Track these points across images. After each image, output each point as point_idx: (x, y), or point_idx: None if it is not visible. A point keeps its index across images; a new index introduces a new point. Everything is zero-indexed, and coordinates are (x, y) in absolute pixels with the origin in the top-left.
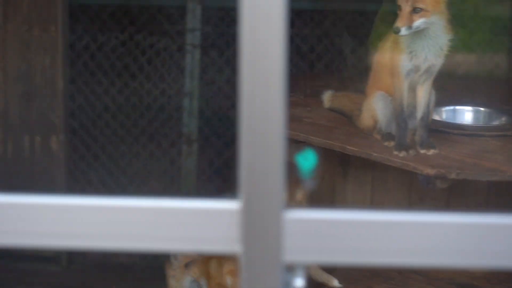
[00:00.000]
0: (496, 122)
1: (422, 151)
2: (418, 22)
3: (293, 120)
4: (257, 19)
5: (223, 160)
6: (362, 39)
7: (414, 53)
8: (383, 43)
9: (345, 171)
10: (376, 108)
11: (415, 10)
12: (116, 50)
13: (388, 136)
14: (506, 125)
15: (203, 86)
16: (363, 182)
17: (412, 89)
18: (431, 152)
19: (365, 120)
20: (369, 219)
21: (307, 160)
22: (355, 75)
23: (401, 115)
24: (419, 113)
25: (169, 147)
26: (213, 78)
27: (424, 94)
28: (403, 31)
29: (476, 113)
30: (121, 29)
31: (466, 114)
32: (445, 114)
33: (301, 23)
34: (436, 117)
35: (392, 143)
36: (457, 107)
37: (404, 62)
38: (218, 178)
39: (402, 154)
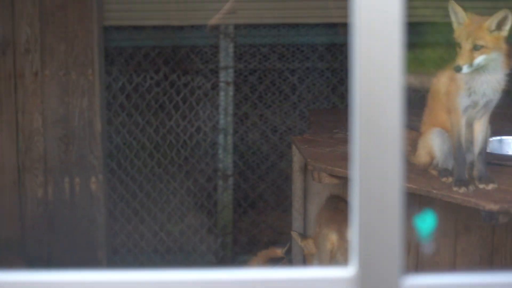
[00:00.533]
0: None
1: (481, 186)
2: (479, 59)
3: (345, 158)
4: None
5: (257, 194)
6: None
7: (472, 89)
8: (439, 79)
9: None
10: (433, 145)
11: (475, 48)
12: (151, 90)
13: (445, 172)
14: None
15: (237, 122)
16: (409, 212)
17: (469, 125)
18: (491, 186)
19: (421, 156)
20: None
21: (426, 222)
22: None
23: (459, 151)
24: (477, 148)
25: (205, 182)
26: (246, 114)
27: (481, 128)
28: (465, 69)
29: None
30: (155, 69)
31: None
32: (491, 145)
33: (331, 55)
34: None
35: (450, 179)
36: (504, 137)
37: (462, 98)
38: (253, 210)
39: (462, 190)
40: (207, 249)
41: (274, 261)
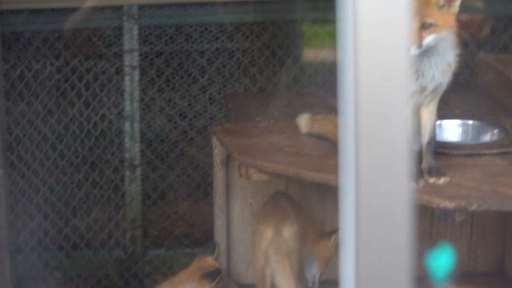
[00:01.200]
0: (488, 136)
1: (432, 180)
2: (428, 39)
3: (273, 150)
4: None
5: (167, 184)
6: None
7: (420, 73)
8: None
9: (323, 198)
10: None
11: (424, 26)
12: (51, 77)
13: None
14: (504, 140)
15: (143, 109)
16: None
17: (416, 112)
18: (442, 180)
19: None
20: None
21: (441, 260)
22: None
23: None
24: (425, 138)
25: (111, 173)
26: (153, 100)
27: (430, 116)
28: (413, 50)
29: (465, 127)
30: (55, 54)
31: (454, 129)
32: None
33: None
34: None
35: None
36: (443, 121)
37: None
38: (163, 202)
39: (411, 185)
40: (116, 244)
41: (211, 276)
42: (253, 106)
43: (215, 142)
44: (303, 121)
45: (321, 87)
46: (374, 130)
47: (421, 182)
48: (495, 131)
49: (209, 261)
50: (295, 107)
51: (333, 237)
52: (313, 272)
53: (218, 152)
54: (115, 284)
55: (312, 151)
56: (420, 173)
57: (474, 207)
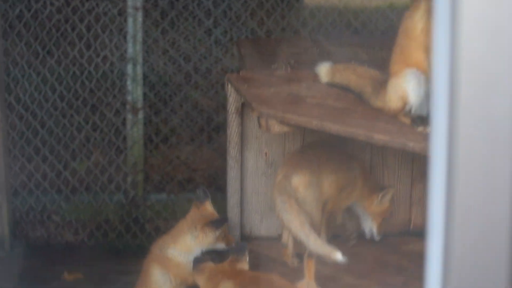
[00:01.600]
0: None
1: None
2: None
3: (294, 101)
4: None
5: (170, 128)
6: None
7: None
8: (414, 11)
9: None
10: (407, 88)
11: None
12: (51, 17)
13: (420, 120)
14: None
15: (146, 51)
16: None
17: None
18: None
19: (392, 101)
20: None
21: None
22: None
23: None
24: None
25: (113, 117)
26: (156, 42)
27: None
28: None
29: None
30: None
31: None
32: None
33: None
34: None
35: (427, 129)
36: None
37: None
38: (166, 146)
39: None
40: (116, 188)
41: (216, 224)
42: (266, 52)
43: (230, 89)
44: (324, 70)
45: (331, 33)
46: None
47: None
48: None
49: (208, 208)
50: (311, 55)
51: (381, 194)
52: (369, 225)
53: (233, 100)
54: (116, 229)
55: (335, 103)
56: None
57: None
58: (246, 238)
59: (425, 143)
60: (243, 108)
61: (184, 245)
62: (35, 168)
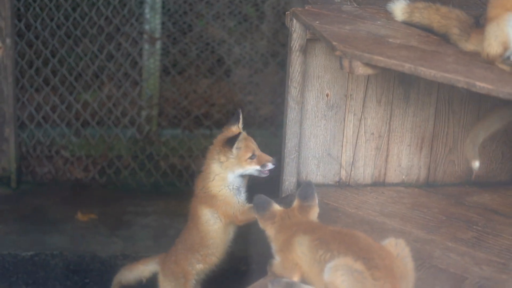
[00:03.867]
0: None
1: None
2: None
3: (376, 41)
4: None
5: (189, 60)
6: None
7: None
8: None
9: (406, 93)
10: (509, 33)
11: None
12: None
13: None
14: None
15: None
16: (426, 104)
17: None
18: None
19: (492, 46)
20: None
21: None
22: None
23: None
24: None
25: (129, 46)
26: None
27: None
28: None
29: None
30: None
31: None
32: None
33: None
34: None
35: None
36: None
37: None
38: (183, 79)
39: None
40: (130, 123)
41: (231, 141)
42: None
43: (295, 25)
44: (399, 8)
45: None
46: None
47: None
48: None
49: (233, 130)
50: None
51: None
52: None
53: (297, 37)
54: (128, 166)
55: (420, 45)
56: None
57: None
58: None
59: None
60: (308, 46)
61: (217, 175)
62: (44, 99)
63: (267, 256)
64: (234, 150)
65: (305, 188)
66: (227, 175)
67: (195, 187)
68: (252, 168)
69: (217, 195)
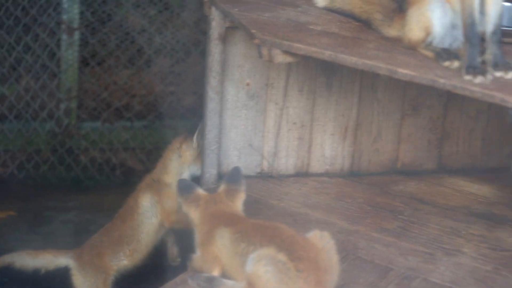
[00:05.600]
0: None
1: (498, 74)
2: None
3: (296, 28)
4: None
5: (108, 50)
6: None
7: None
8: None
9: (329, 81)
10: (431, 17)
11: None
12: None
13: (446, 54)
14: None
15: None
16: (349, 92)
17: None
18: (511, 75)
19: (413, 31)
20: None
21: None
22: None
23: (472, 28)
24: (490, 25)
25: (46, 37)
26: None
27: (496, 1)
28: None
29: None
30: None
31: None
32: None
33: None
34: None
35: (456, 64)
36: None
37: None
38: (102, 70)
39: (479, 79)
40: (49, 116)
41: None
42: None
43: (213, 13)
44: None
45: None
46: None
47: (489, 76)
48: None
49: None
50: None
51: None
52: None
53: (216, 25)
54: (48, 160)
55: (341, 31)
56: (484, 67)
57: None
58: (223, 177)
59: (456, 79)
60: (227, 34)
61: (175, 167)
62: None
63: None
64: (195, 139)
65: (233, 172)
66: (184, 170)
67: (145, 179)
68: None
69: (169, 185)
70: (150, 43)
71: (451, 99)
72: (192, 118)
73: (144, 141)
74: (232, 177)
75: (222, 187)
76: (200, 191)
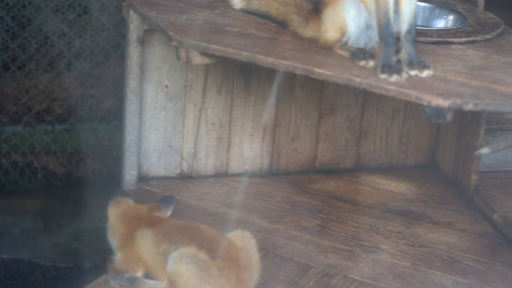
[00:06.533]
0: (443, 22)
1: (413, 73)
2: None
3: (213, 29)
4: None
5: (28, 54)
6: None
7: None
8: None
9: (247, 82)
10: (346, 17)
11: None
12: None
13: (361, 54)
14: (468, 27)
15: None
16: (267, 93)
17: None
18: (425, 73)
19: (329, 32)
20: None
21: None
22: None
23: (387, 27)
24: (404, 24)
25: None
26: None
27: (410, 0)
28: None
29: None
30: None
31: None
32: None
33: None
34: None
35: (371, 63)
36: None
37: None
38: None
39: (394, 78)
40: None
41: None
42: None
43: (131, 16)
44: None
45: None
46: None
47: (404, 75)
48: (450, 16)
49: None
50: None
51: None
52: None
53: (134, 28)
54: None
55: (258, 32)
56: (399, 65)
57: (470, 106)
58: (143, 178)
59: (372, 78)
60: (145, 37)
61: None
62: None
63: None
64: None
65: (166, 198)
66: None
67: None
68: None
69: None
70: (70, 46)
71: (368, 98)
72: (112, 121)
73: (66, 144)
74: (164, 201)
75: (151, 204)
76: (127, 199)
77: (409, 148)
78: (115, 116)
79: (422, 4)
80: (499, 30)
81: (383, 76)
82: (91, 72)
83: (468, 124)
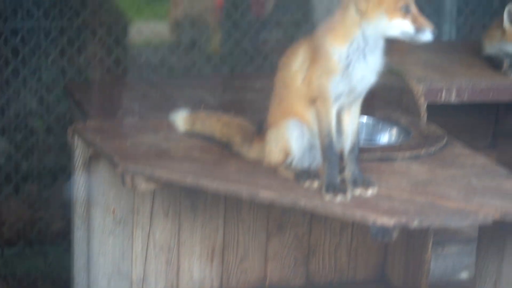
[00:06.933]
0: (387, 136)
1: (358, 192)
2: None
3: (158, 154)
4: None
5: None
6: None
7: (351, 71)
8: (291, 60)
9: (194, 204)
10: (290, 139)
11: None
12: None
13: (305, 174)
14: (411, 142)
15: None
16: (214, 214)
17: (337, 116)
18: (370, 191)
19: (274, 153)
20: None
21: None
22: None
23: (330, 148)
24: (347, 143)
25: None
26: None
27: (352, 120)
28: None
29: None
30: None
31: None
32: None
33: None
34: None
35: (315, 184)
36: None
37: (335, 84)
38: None
39: (339, 198)
40: None
41: None
42: (106, 98)
43: (76, 142)
44: (181, 118)
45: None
46: None
47: (349, 195)
48: (393, 130)
49: None
50: (155, 100)
51: None
52: None
53: (79, 154)
54: None
55: (203, 155)
56: (344, 185)
57: (415, 224)
58: None
59: (317, 200)
60: (90, 162)
61: None
62: None
63: None
64: None
65: None
66: None
67: None
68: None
69: None
70: (18, 167)
71: (315, 217)
72: (62, 243)
73: (15, 269)
74: None
75: None
76: None
77: (358, 263)
78: (64, 238)
79: (365, 120)
80: (442, 143)
81: (328, 196)
82: (39, 195)
83: (415, 237)
